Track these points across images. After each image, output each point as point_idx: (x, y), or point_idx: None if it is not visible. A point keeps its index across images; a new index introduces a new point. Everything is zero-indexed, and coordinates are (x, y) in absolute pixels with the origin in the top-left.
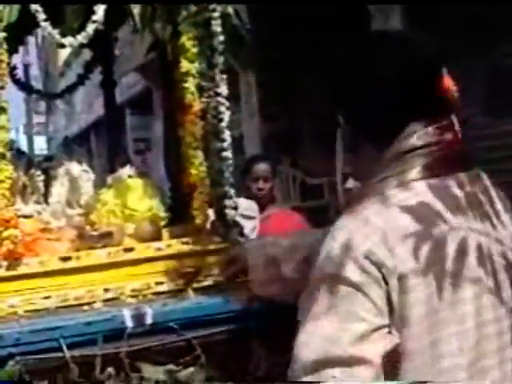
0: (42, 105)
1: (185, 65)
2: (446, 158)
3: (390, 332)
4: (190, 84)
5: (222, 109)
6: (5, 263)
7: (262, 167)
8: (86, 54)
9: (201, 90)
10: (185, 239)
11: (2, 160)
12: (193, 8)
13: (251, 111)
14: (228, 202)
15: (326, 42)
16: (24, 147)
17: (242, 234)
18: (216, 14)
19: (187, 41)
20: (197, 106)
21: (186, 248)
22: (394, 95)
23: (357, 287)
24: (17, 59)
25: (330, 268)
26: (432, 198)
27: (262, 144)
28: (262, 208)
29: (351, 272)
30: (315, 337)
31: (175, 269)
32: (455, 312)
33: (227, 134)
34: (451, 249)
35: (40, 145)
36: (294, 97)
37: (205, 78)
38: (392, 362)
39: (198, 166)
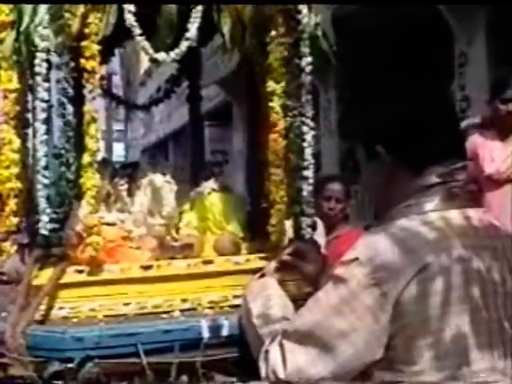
0: (121, 113)
1: (271, 84)
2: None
3: None
4: (276, 103)
5: (306, 129)
6: (87, 269)
7: (335, 187)
8: (168, 66)
9: (285, 108)
10: (263, 254)
11: (90, 168)
12: (281, 29)
13: (330, 128)
14: (305, 221)
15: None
16: (103, 153)
17: None
18: (305, 36)
19: (275, 61)
20: (281, 125)
21: (263, 263)
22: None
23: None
24: (103, 69)
25: None
26: None
27: (339, 161)
28: (332, 228)
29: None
30: None
31: None
32: None
33: (309, 154)
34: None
35: (118, 151)
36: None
37: (290, 98)
38: None
39: (278, 184)
